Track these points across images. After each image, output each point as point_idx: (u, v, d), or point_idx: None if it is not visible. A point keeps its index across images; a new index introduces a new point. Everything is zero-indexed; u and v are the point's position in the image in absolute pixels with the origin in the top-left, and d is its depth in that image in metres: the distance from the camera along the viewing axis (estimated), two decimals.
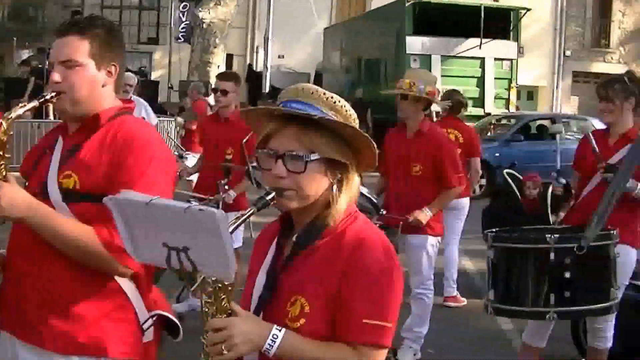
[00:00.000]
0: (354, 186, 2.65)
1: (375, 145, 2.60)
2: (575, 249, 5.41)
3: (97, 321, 3.08)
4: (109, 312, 3.10)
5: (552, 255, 5.43)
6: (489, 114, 24.66)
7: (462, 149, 8.63)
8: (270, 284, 2.62)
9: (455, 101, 9.18)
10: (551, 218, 9.38)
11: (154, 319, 3.20)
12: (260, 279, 2.67)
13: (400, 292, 2.58)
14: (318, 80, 34.69)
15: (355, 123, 2.62)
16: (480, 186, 19.40)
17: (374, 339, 2.50)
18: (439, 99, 7.42)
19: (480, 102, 25.00)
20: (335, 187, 2.60)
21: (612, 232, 5.64)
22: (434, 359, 7.37)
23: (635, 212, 6.04)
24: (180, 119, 10.83)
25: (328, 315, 2.52)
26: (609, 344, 6.10)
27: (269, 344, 2.44)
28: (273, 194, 2.53)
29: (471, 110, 23.98)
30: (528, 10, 26.77)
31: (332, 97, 2.59)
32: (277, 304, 2.58)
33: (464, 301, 9.25)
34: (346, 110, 2.60)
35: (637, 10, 40.71)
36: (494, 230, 6.00)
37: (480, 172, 9.91)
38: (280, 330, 2.46)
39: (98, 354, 3.08)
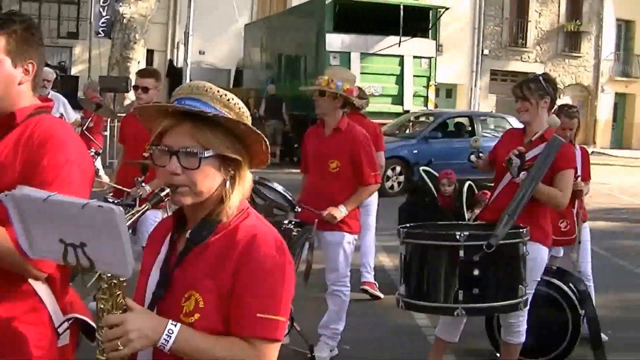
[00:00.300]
0: (247, 182, 2.69)
1: (267, 142, 2.64)
2: (484, 247, 5.52)
3: (8, 324, 2.99)
4: (21, 315, 3.01)
5: (461, 253, 5.54)
6: (407, 112, 24.82)
7: None
8: (163, 280, 2.64)
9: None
10: (467, 214, 9.54)
11: (70, 322, 3.13)
12: (154, 275, 2.69)
13: (292, 287, 2.62)
14: (239, 77, 34.67)
15: (248, 120, 2.66)
16: (399, 183, 19.67)
17: (267, 333, 2.53)
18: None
19: (399, 99, 25.08)
20: (228, 183, 2.63)
21: (521, 230, 5.75)
22: (351, 354, 7.40)
23: (546, 210, 6.13)
24: (77, 117, 10.69)
25: (222, 310, 2.54)
26: (522, 339, 6.21)
27: (164, 339, 2.45)
28: (167, 190, 2.56)
29: (390, 107, 24.24)
30: (447, 9, 27.00)
31: (225, 95, 2.62)
32: (171, 300, 2.59)
33: (381, 295, 9.34)
34: (239, 108, 2.64)
35: (553, 11, 41.52)
36: (406, 225, 6.06)
37: (384, 166, 9.99)
38: (175, 326, 2.47)
39: (9, 358, 2.99)
